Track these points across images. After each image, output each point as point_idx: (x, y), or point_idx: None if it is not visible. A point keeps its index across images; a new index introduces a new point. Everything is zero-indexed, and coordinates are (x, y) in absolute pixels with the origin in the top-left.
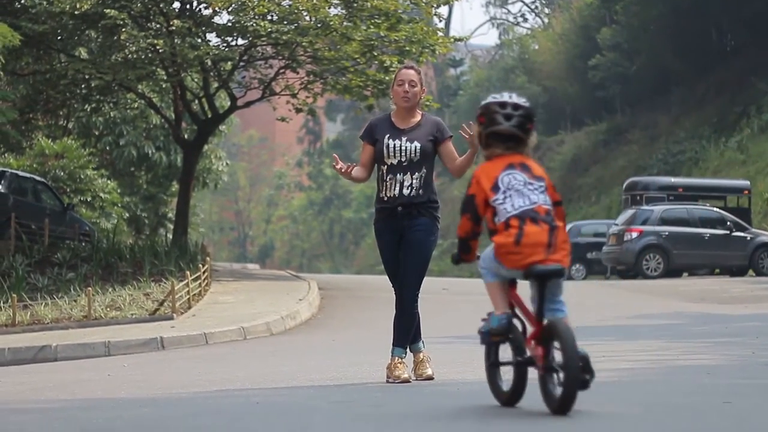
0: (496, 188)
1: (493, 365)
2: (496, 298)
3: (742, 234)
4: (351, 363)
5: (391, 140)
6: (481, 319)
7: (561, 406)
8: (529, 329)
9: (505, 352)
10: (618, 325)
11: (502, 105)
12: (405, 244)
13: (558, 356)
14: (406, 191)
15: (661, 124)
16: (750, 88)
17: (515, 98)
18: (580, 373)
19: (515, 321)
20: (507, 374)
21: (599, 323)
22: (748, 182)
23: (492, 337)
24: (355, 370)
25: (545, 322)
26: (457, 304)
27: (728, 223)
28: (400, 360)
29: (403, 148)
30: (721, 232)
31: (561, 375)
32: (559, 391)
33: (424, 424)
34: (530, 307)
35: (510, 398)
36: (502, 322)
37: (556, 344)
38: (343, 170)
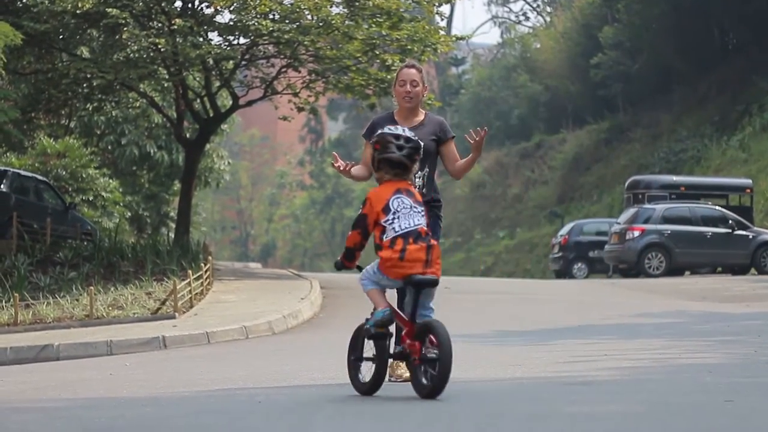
0: (386, 210)
1: (357, 360)
2: (377, 299)
3: (744, 232)
4: None
5: None
6: (365, 318)
7: (433, 391)
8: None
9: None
10: (620, 323)
11: (397, 137)
12: None
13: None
14: None
15: (663, 123)
16: (752, 86)
17: (407, 132)
18: (451, 361)
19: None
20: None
21: (601, 322)
22: (750, 181)
23: (378, 329)
24: None
25: (418, 322)
26: (459, 303)
27: (730, 221)
28: None
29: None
30: (723, 231)
31: (435, 365)
32: (427, 379)
33: (426, 424)
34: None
35: (371, 389)
36: (386, 314)
37: (432, 338)
38: (342, 168)
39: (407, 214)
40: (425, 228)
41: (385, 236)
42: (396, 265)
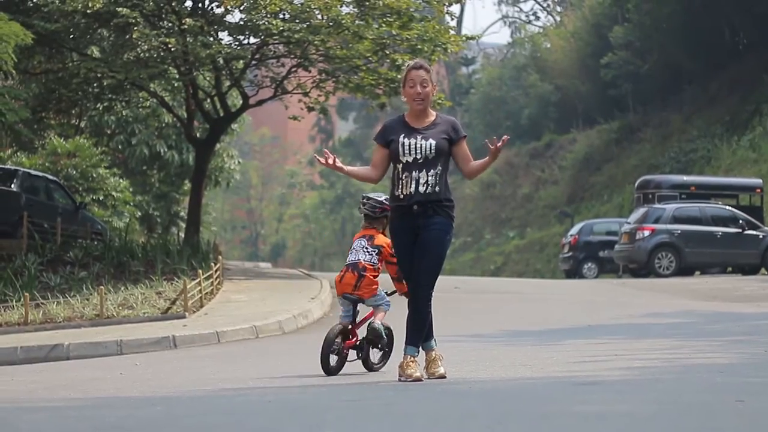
0: (352, 247)
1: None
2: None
3: (754, 232)
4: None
5: (406, 138)
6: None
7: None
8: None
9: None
10: (630, 323)
11: (364, 200)
12: (420, 243)
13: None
14: (422, 188)
15: (673, 123)
16: (762, 86)
17: (373, 196)
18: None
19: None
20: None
21: (611, 322)
22: (760, 180)
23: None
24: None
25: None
26: (469, 303)
27: (740, 221)
28: (412, 359)
29: (419, 145)
30: (733, 231)
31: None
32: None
33: (436, 423)
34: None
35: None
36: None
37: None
38: (330, 163)
39: (355, 251)
40: (364, 263)
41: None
42: (337, 284)
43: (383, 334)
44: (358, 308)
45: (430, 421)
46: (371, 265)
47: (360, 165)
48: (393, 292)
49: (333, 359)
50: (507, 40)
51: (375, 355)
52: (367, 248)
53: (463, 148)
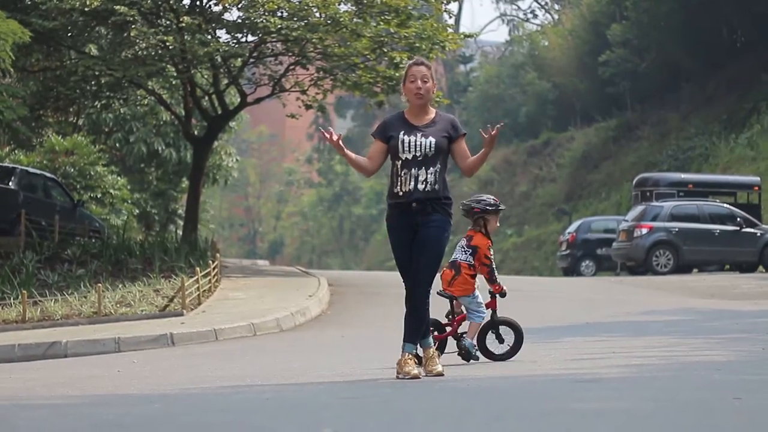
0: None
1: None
2: None
3: (752, 230)
4: (361, 359)
5: (406, 136)
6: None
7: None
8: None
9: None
10: (628, 321)
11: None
12: (418, 241)
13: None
14: (420, 186)
15: (671, 121)
16: (760, 84)
17: (475, 197)
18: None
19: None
20: None
21: (609, 319)
22: (758, 178)
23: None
24: (365, 367)
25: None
26: None
27: (738, 219)
28: (410, 356)
29: (418, 143)
30: (731, 228)
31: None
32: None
33: (434, 420)
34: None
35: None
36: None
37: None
38: (334, 140)
39: (457, 250)
40: (462, 262)
41: None
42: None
43: (472, 353)
44: (457, 306)
45: (428, 419)
46: (466, 264)
47: None
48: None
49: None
50: (505, 38)
51: (500, 347)
52: (464, 247)
53: (461, 146)
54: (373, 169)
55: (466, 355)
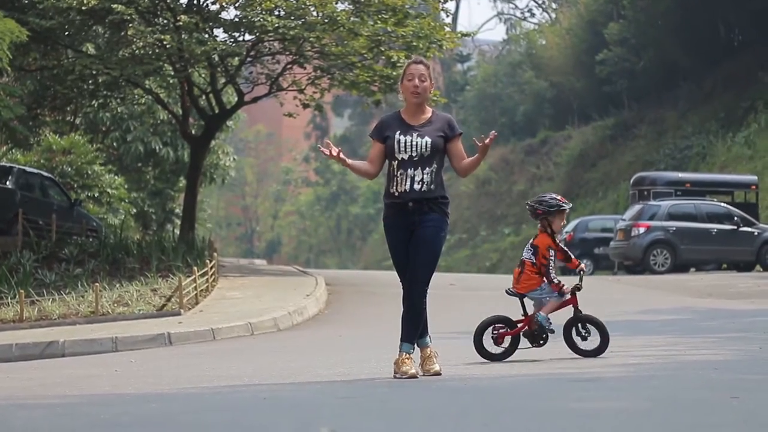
0: None
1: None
2: None
3: (749, 229)
4: (358, 358)
5: (402, 136)
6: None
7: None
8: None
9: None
10: (625, 320)
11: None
12: (415, 240)
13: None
14: (417, 186)
15: (669, 119)
16: (757, 82)
17: (538, 198)
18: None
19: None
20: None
21: (606, 318)
22: (755, 177)
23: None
24: (362, 366)
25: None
26: (464, 300)
27: (735, 218)
28: (407, 355)
29: (414, 143)
30: (728, 228)
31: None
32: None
33: (432, 420)
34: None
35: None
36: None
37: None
38: (333, 155)
39: (525, 249)
40: (526, 259)
41: None
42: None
43: (543, 325)
44: (528, 305)
45: (425, 418)
46: (530, 262)
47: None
48: (577, 287)
49: (490, 345)
50: (502, 37)
51: (587, 344)
52: (529, 247)
53: (457, 146)
54: (375, 172)
55: (538, 329)
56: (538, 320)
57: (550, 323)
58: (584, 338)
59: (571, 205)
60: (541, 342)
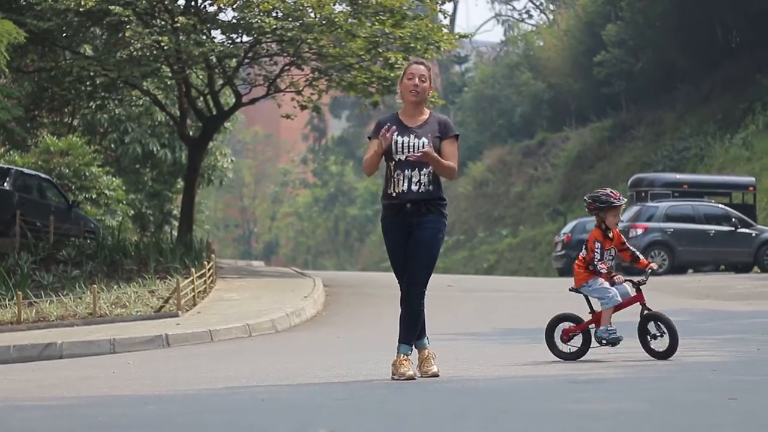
0: None
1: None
2: None
3: (747, 230)
4: (356, 360)
5: (399, 137)
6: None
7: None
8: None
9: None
10: (623, 321)
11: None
12: (413, 242)
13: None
14: (414, 187)
15: (666, 121)
16: (755, 84)
17: (593, 194)
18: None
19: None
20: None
21: None
22: (753, 179)
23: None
24: (360, 368)
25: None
26: (462, 301)
27: (733, 219)
28: (405, 357)
29: (412, 144)
30: (726, 229)
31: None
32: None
33: (430, 422)
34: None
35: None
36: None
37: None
38: (388, 137)
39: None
40: (580, 255)
41: None
42: None
43: (604, 338)
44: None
45: (423, 420)
46: (581, 256)
47: (353, 163)
48: (641, 282)
49: (559, 344)
50: (500, 39)
51: (658, 343)
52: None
53: (447, 147)
54: (374, 170)
55: (605, 343)
56: (597, 336)
57: (611, 333)
58: (654, 337)
59: (624, 201)
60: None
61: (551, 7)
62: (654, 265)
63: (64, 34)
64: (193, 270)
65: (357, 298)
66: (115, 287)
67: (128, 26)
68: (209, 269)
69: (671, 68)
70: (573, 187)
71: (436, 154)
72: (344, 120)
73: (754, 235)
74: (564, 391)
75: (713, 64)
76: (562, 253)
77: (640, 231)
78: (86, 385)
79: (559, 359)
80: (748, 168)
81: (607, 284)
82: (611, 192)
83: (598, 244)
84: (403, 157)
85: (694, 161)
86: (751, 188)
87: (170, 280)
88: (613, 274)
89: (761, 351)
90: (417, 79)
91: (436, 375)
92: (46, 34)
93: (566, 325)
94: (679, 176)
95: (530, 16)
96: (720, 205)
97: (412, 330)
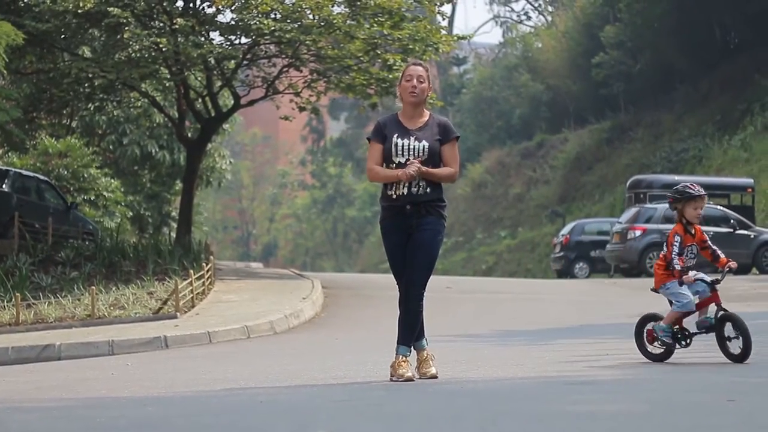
0: None
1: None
2: None
3: (745, 232)
4: (355, 362)
5: (399, 139)
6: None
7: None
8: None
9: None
10: (621, 323)
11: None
12: (412, 243)
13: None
14: (414, 189)
15: (665, 122)
16: (754, 85)
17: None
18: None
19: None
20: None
21: (603, 321)
22: (751, 180)
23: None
24: (358, 369)
25: None
26: (461, 303)
27: (732, 221)
28: (404, 358)
29: (411, 146)
30: (724, 230)
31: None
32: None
33: (428, 423)
34: None
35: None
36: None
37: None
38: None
39: None
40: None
41: None
42: None
43: (659, 337)
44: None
45: (422, 421)
46: (662, 254)
47: (352, 165)
48: (715, 281)
49: (647, 345)
50: (498, 40)
51: (732, 345)
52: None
53: (447, 150)
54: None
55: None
56: (655, 330)
57: (667, 333)
58: (729, 339)
59: (702, 192)
60: (683, 344)
61: (550, 8)
62: (733, 264)
63: (62, 36)
64: (191, 272)
65: (356, 299)
66: (114, 289)
67: (127, 28)
68: (208, 271)
69: (670, 69)
70: (571, 188)
71: (428, 170)
72: (343, 122)
73: (752, 236)
74: (563, 393)
75: (712, 66)
76: (560, 255)
77: (638, 232)
78: (84, 386)
79: (651, 361)
80: (746, 169)
81: (685, 289)
82: (690, 184)
83: (677, 238)
84: (402, 160)
85: (693, 163)
86: (750, 190)
87: (169, 281)
88: (686, 274)
89: (760, 353)
90: (415, 80)
91: (434, 376)
92: (45, 36)
93: (651, 325)
94: (677, 177)
95: (528, 18)
96: (718, 207)
97: (410, 331)
